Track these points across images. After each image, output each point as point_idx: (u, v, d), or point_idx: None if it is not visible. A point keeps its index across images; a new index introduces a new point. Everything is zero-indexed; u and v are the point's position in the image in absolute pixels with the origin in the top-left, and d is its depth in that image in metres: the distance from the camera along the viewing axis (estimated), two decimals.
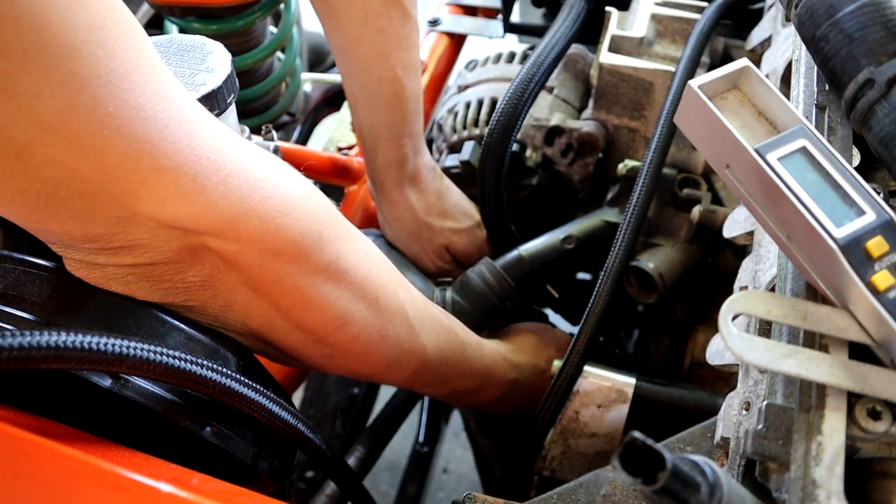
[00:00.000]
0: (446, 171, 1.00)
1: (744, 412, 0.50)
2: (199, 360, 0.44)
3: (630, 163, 0.86)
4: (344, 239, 0.54)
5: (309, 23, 1.44)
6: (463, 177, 0.94)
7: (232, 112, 0.62)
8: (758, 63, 0.77)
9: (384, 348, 0.60)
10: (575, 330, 0.75)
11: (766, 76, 0.61)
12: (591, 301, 0.74)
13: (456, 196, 0.94)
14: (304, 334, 0.54)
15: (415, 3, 0.78)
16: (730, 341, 0.41)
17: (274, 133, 0.75)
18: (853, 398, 0.41)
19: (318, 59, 1.59)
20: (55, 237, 0.44)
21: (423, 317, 0.65)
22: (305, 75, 1.18)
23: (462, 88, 1.03)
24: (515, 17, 1.23)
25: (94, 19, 0.37)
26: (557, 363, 0.77)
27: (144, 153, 0.40)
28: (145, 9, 1.09)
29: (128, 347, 0.40)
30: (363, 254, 0.57)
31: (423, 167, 0.89)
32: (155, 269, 0.46)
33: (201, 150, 0.43)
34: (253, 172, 0.46)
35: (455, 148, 0.97)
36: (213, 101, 0.56)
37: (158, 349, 0.42)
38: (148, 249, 0.44)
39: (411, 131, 0.85)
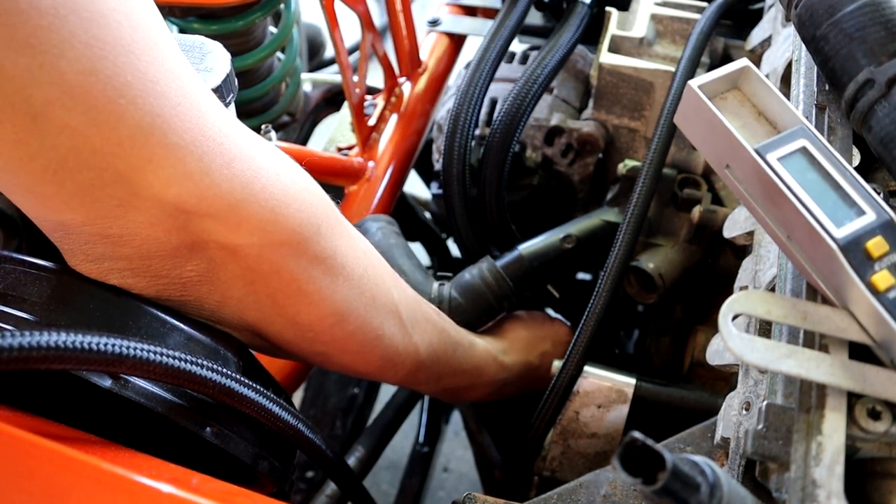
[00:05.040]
0: None
1: (744, 412, 0.50)
2: (199, 361, 0.44)
3: (630, 163, 0.86)
4: (341, 235, 0.54)
5: (306, 16, 1.44)
6: None
7: (231, 112, 0.62)
8: (758, 63, 0.77)
9: (379, 347, 0.60)
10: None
11: (766, 76, 0.61)
12: (591, 301, 0.74)
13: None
14: (299, 330, 0.54)
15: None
16: (730, 341, 0.41)
17: (273, 133, 0.74)
18: (853, 398, 0.41)
19: (313, 53, 1.58)
20: (54, 223, 0.44)
21: (415, 316, 0.65)
22: (305, 75, 1.18)
23: None
24: None
25: None
26: (557, 363, 0.77)
27: (156, 127, 0.40)
28: None
29: (128, 347, 0.40)
30: (360, 251, 0.57)
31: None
32: (153, 263, 0.46)
33: (209, 131, 0.43)
34: (256, 160, 0.47)
35: None
36: None
37: (158, 349, 0.42)
38: (147, 240, 0.44)
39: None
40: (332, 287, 0.53)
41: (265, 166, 0.47)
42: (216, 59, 0.58)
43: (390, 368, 0.64)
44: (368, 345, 0.59)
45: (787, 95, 0.58)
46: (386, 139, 1.04)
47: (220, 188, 0.44)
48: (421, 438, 1.20)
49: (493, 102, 0.97)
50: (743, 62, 0.47)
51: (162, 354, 0.42)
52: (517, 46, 1.08)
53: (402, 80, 1.10)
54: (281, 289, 0.51)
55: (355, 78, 0.98)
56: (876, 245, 0.41)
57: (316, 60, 1.57)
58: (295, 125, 1.14)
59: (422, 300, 0.69)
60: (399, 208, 1.11)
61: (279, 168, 0.49)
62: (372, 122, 1.05)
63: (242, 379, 0.47)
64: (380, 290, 0.59)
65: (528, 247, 0.86)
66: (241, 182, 0.45)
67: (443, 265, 1.23)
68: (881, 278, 0.40)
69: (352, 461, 0.88)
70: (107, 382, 0.43)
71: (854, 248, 0.41)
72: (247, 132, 0.48)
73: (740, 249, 0.66)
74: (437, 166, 1.04)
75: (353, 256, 0.55)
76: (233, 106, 0.61)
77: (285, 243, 0.49)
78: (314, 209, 0.51)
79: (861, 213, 0.42)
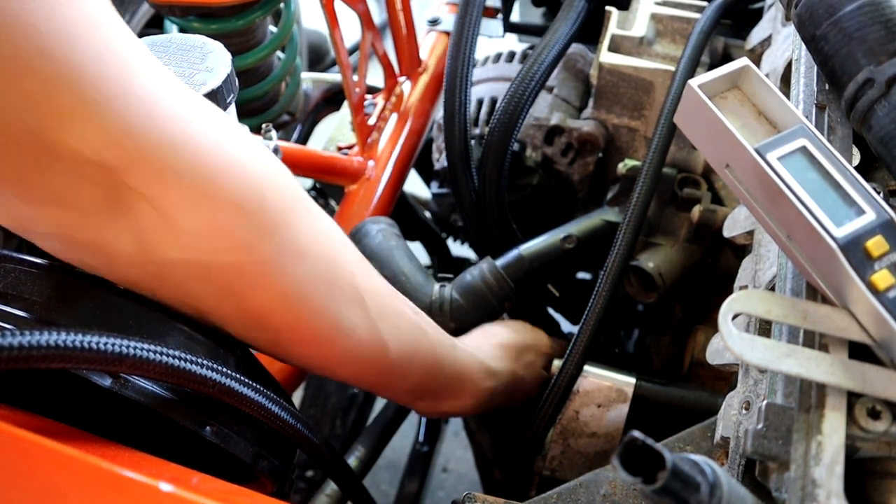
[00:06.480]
0: (446, 170, 1.00)
1: (744, 412, 0.50)
2: (199, 360, 0.44)
3: (630, 162, 0.86)
4: (293, 209, 0.50)
5: (308, 21, 1.44)
6: None
7: (231, 112, 0.62)
8: (758, 63, 0.77)
9: (337, 338, 0.55)
10: (574, 329, 0.75)
11: (766, 76, 0.61)
12: (591, 301, 0.74)
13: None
14: (243, 315, 0.51)
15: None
16: (730, 341, 0.41)
17: (273, 133, 0.74)
18: (853, 398, 0.41)
19: (317, 59, 1.58)
20: None
21: (383, 308, 0.59)
22: (305, 75, 1.18)
23: None
24: (515, 17, 1.23)
25: None
26: (557, 363, 0.77)
27: (70, 79, 0.38)
28: (145, 8, 1.09)
29: (128, 347, 0.40)
30: (319, 230, 0.53)
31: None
32: (85, 228, 0.44)
33: (135, 87, 0.41)
34: (193, 123, 0.45)
35: None
36: (212, 101, 0.56)
37: (158, 349, 0.42)
38: (72, 199, 0.42)
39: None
40: (280, 265, 0.49)
41: (201, 132, 0.45)
42: (217, 60, 0.58)
43: (353, 364, 0.58)
44: (323, 334, 0.54)
45: (787, 95, 0.58)
46: (386, 139, 1.04)
47: (148, 146, 0.42)
48: (421, 438, 1.20)
49: (494, 102, 0.97)
50: (743, 61, 0.47)
51: (162, 354, 0.42)
52: (517, 46, 1.08)
53: (402, 79, 1.10)
54: (216, 260, 0.47)
55: (355, 77, 0.98)
56: (876, 244, 0.41)
57: (319, 68, 1.57)
58: (295, 124, 1.14)
59: (396, 294, 0.63)
60: (399, 208, 1.11)
61: (222, 137, 0.46)
62: (372, 121, 1.05)
63: (242, 378, 0.47)
64: (339, 273, 0.54)
65: (528, 247, 0.86)
66: (171, 141, 0.43)
67: (443, 265, 1.23)
68: (881, 278, 0.40)
69: (352, 461, 0.88)
70: (107, 382, 0.43)
71: (854, 248, 0.41)
72: (190, 97, 0.45)
73: (740, 249, 0.66)
74: (437, 166, 1.04)
75: (306, 233, 0.51)
76: (233, 105, 0.62)
77: (223, 208, 0.46)
78: (255, 177, 0.47)
79: (861, 212, 0.42)
